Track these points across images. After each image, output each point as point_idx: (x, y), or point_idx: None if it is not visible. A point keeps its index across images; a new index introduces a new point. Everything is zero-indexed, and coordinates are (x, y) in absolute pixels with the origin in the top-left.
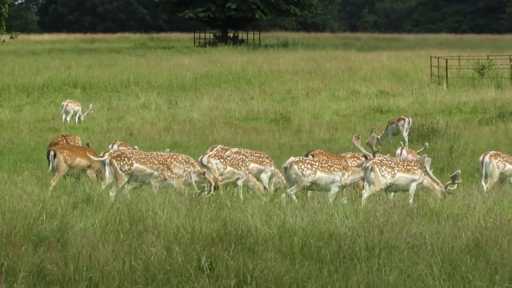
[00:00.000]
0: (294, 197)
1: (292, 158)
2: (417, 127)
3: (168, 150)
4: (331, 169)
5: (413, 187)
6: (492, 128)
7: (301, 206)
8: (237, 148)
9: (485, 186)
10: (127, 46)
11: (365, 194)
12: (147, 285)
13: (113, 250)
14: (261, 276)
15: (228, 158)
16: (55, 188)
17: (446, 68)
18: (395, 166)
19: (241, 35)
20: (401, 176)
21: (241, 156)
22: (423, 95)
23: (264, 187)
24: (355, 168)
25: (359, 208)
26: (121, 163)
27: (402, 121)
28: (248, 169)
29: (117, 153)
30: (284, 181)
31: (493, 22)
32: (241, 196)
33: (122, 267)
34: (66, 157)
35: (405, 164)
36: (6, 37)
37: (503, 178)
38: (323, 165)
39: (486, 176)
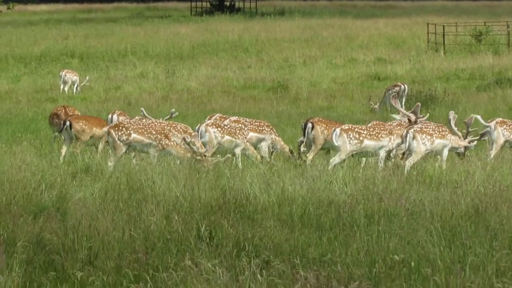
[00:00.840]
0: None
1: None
2: (415, 94)
3: (174, 110)
4: (379, 136)
5: (445, 152)
6: (490, 95)
7: (300, 174)
8: (236, 117)
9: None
10: (124, 15)
11: (408, 164)
12: (146, 254)
13: (112, 219)
14: (260, 244)
15: (225, 126)
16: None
17: (443, 35)
18: (433, 132)
19: (238, 3)
20: (439, 143)
21: (239, 125)
22: (421, 62)
23: (262, 156)
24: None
25: (358, 175)
26: (119, 133)
27: (398, 88)
28: (246, 138)
29: (115, 123)
30: (285, 149)
31: None
32: (240, 164)
33: (122, 236)
34: (84, 126)
35: (440, 130)
36: (3, 8)
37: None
38: (370, 133)
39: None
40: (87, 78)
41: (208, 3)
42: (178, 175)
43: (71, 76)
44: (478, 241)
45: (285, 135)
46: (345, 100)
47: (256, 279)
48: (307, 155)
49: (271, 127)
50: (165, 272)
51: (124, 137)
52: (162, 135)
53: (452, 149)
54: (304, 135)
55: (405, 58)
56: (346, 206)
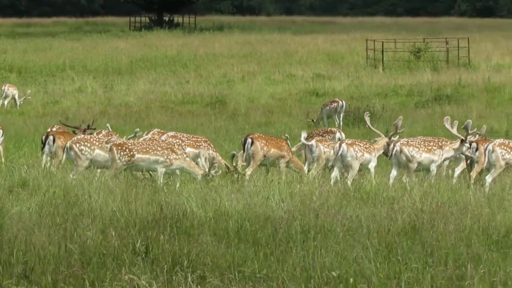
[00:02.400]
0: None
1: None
2: (353, 110)
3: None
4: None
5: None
6: (429, 111)
7: (237, 190)
8: (174, 132)
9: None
10: (62, 30)
11: (489, 178)
12: (82, 269)
13: (49, 234)
14: (196, 260)
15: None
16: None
17: (382, 51)
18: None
19: (177, 18)
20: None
21: (177, 140)
22: (359, 78)
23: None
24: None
25: (295, 191)
26: (122, 153)
27: (335, 104)
28: (185, 153)
29: (119, 142)
30: (222, 164)
31: (429, 4)
32: (177, 180)
33: (58, 251)
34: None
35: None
36: None
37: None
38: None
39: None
40: (29, 91)
41: (147, 18)
42: (115, 189)
43: (12, 90)
44: (414, 257)
45: (223, 151)
46: (283, 115)
47: None
48: (246, 170)
49: (208, 142)
50: (101, 287)
51: (127, 158)
52: (169, 149)
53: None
54: (244, 150)
55: (344, 74)
56: (282, 222)
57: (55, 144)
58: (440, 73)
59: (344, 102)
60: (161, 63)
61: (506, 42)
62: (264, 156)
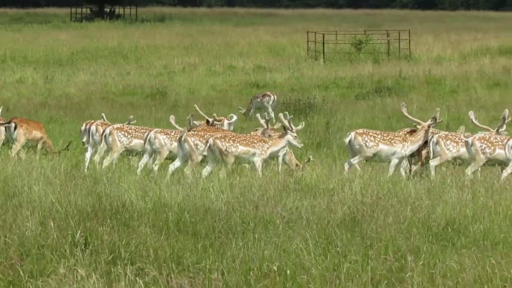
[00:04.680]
0: (357, 166)
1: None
2: (294, 102)
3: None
4: (392, 141)
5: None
6: (369, 103)
7: (176, 181)
8: (120, 124)
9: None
10: (3, 21)
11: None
12: (21, 260)
13: None
14: (136, 251)
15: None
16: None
17: (323, 43)
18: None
19: (118, 10)
20: None
21: (123, 132)
22: (300, 70)
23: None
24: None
25: (234, 182)
26: (227, 145)
27: (268, 98)
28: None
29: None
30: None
31: None
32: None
33: None
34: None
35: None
36: None
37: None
38: (385, 137)
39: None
40: None
41: (88, 9)
42: (54, 181)
43: None
44: (353, 249)
45: None
46: (224, 107)
47: (132, 286)
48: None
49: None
50: (40, 279)
51: (233, 149)
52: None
53: None
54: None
55: (285, 66)
56: (222, 214)
57: (16, 131)
58: (381, 65)
59: (275, 96)
60: (102, 54)
61: (447, 35)
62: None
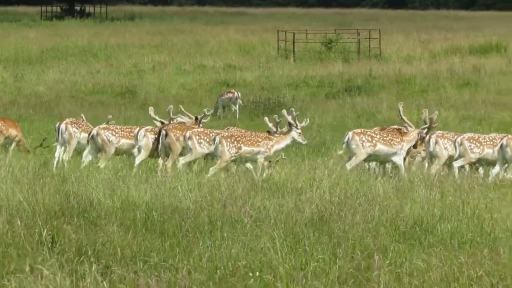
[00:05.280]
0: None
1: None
2: (264, 101)
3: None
4: (392, 142)
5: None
6: (339, 102)
7: (145, 180)
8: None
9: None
10: None
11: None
12: None
13: None
14: (102, 249)
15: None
16: None
17: (294, 42)
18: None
19: (88, 8)
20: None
21: (110, 132)
22: (270, 69)
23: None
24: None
25: (203, 181)
26: (231, 145)
27: (231, 95)
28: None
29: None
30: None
31: None
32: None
33: None
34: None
35: None
36: None
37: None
38: (384, 138)
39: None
40: None
41: (58, 7)
42: (22, 179)
43: None
44: (321, 248)
45: None
46: (194, 106)
47: (98, 285)
48: (165, 163)
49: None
50: (6, 278)
51: (235, 150)
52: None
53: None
54: (158, 142)
55: (255, 65)
56: (190, 212)
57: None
58: (351, 64)
59: (238, 93)
60: (71, 52)
61: (417, 34)
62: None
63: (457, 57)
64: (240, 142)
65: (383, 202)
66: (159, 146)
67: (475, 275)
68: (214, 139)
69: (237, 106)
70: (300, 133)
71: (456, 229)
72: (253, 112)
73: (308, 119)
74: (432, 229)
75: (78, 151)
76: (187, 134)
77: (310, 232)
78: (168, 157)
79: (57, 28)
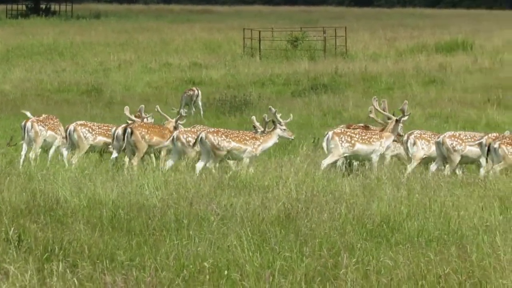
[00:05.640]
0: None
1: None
2: (230, 99)
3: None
4: (370, 140)
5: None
6: (305, 100)
7: (111, 178)
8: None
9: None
10: None
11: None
12: None
13: None
14: (69, 248)
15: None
16: None
17: (259, 40)
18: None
19: (54, 6)
20: None
21: (87, 129)
22: (236, 67)
23: None
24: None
25: (169, 179)
26: (219, 139)
27: (192, 92)
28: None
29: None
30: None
31: None
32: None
33: None
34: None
35: None
36: None
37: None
38: (363, 137)
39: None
40: None
41: (23, 6)
42: None
43: None
44: (288, 246)
45: None
46: (159, 104)
47: (65, 283)
48: (132, 161)
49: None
50: None
51: (225, 143)
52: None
53: None
54: (123, 140)
55: (221, 63)
56: (156, 210)
57: None
58: (317, 62)
59: (199, 91)
60: (37, 51)
61: (383, 32)
62: (148, 144)
63: (423, 55)
64: (229, 138)
65: (350, 200)
66: (124, 144)
67: (443, 272)
68: (200, 136)
69: (199, 103)
70: (285, 129)
71: (423, 226)
72: (219, 110)
73: (291, 115)
74: (399, 227)
75: (45, 149)
76: (174, 135)
77: (277, 230)
78: (134, 155)
79: (22, 26)
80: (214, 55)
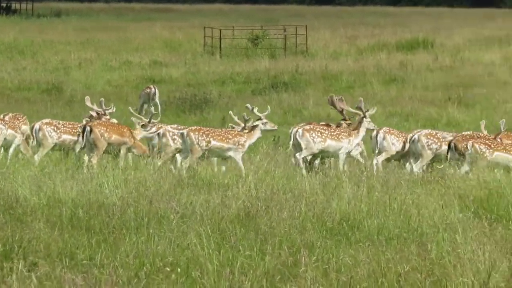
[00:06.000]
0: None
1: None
2: (190, 97)
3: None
4: (339, 137)
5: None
6: (266, 98)
7: (71, 176)
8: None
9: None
10: None
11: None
12: None
13: None
14: (29, 246)
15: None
16: None
17: (220, 38)
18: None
19: (14, 5)
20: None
21: (52, 127)
22: (196, 65)
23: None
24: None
25: (129, 178)
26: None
27: (148, 90)
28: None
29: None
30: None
31: None
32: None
33: None
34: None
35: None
36: None
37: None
38: (332, 133)
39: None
40: None
41: None
42: None
43: None
44: (248, 244)
45: None
46: (120, 102)
47: (24, 281)
48: (91, 159)
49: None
50: None
51: (204, 143)
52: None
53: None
54: (82, 139)
55: (181, 61)
56: (116, 209)
57: None
58: (278, 61)
59: (156, 89)
60: None
61: (344, 30)
62: (107, 142)
63: (384, 53)
64: (210, 136)
65: (309, 198)
66: (83, 142)
67: (403, 271)
68: (181, 134)
69: (157, 101)
70: (266, 122)
71: (383, 225)
72: (179, 109)
73: (269, 107)
74: (359, 225)
75: (5, 148)
76: (161, 132)
77: (237, 229)
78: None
79: None
80: (174, 54)
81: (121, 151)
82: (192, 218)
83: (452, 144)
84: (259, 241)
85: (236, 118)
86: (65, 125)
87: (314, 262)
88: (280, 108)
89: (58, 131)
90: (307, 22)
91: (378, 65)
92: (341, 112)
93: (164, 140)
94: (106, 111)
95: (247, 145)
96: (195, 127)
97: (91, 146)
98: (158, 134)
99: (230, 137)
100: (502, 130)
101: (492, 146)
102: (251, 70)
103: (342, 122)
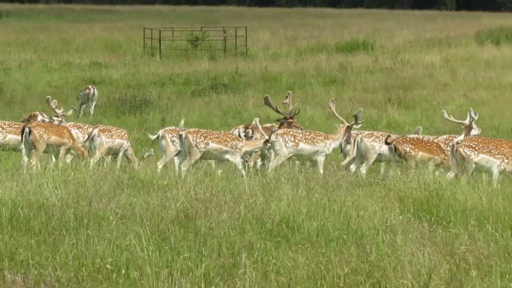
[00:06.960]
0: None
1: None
2: (130, 98)
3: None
4: (314, 140)
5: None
6: (205, 99)
7: (10, 177)
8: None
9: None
10: None
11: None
12: None
13: None
14: None
15: None
16: None
17: (160, 40)
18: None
19: None
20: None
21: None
22: (136, 66)
23: None
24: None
25: (69, 178)
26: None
27: (88, 91)
28: None
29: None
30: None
31: None
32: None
33: None
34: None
35: None
36: None
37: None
38: (306, 136)
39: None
40: None
41: None
42: None
43: None
44: (187, 246)
45: None
46: (59, 103)
47: None
48: (30, 160)
49: None
50: None
51: (202, 145)
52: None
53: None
54: (22, 140)
55: (121, 62)
56: (56, 210)
57: None
58: (218, 62)
59: (95, 89)
60: None
61: (284, 31)
62: (46, 143)
63: (323, 55)
64: (208, 138)
65: (249, 199)
66: (22, 142)
67: (342, 273)
68: (180, 136)
69: (94, 102)
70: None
71: (322, 226)
72: (119, 110)
73: (257, 118)
74: (298, 227)
75: None
76: (160, 134)
77: (176, 230)
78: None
79: None
80: (114, 55)
81: (60, 152)
82: (132, 219)
83: (392, 146)
84: (198, 242)
85: (260, 128)
86: (10, 125)
87: (254, 263)
88: (220, 109)
89: (3, 131)
90: (247, 23)
91: (317, 66)
92: (278, 111)
93: (163, 142)
94: (62, 114)
95: (243, 150)
96: (194, 129)
97: (30, 147)
98: (158, 136)
99: (228, 140)
100: (470, 119)
101: (477, 149)
102: (191, 71)
103: (282, 120)
